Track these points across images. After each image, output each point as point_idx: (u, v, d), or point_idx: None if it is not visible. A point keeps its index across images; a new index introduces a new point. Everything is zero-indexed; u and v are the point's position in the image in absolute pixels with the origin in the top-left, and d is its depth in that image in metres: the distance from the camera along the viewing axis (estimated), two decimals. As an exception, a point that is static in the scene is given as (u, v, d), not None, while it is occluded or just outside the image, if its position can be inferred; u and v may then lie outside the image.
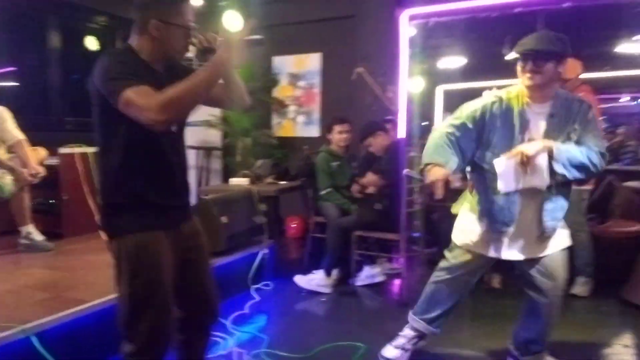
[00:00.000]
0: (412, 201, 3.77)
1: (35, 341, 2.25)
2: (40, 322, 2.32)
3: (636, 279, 3.48)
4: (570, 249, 2.46)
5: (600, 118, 3.11)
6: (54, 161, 4.07)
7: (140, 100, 1.53)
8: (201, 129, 5.52)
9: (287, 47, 6.08)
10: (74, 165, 4.16)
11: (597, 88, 3.73)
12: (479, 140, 2.27)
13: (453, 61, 6.38)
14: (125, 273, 1.72)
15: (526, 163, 2.11)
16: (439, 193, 2.14)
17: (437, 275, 2.60)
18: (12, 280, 3.01)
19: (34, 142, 3.69)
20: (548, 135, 2.18)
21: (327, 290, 3.83)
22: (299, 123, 6.19)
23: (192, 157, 5.24)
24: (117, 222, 1.74)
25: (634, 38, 5.34)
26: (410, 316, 2.71)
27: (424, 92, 5.88)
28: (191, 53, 1.88)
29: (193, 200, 1.92)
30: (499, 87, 2.34)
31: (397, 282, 4.09)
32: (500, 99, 2.25)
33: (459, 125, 2.27)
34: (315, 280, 3.85)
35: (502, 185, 2.20)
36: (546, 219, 2.25)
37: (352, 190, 4.29)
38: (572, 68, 3.20)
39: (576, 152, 2.12)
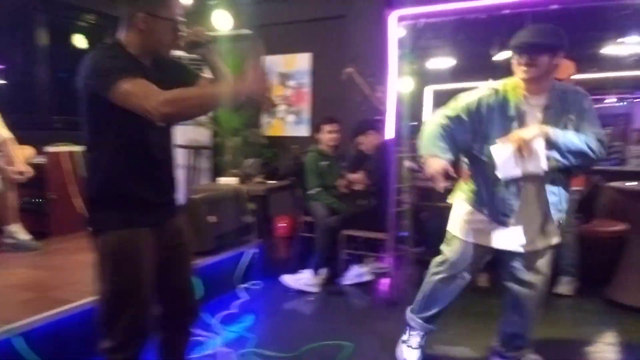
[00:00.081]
0: (401, 200, 3.79)
1: (20, 341, 2.24)
2: (25, 322, 2.31)
3: (620, 278, 3.53)
4: (556, 248, 2.49)
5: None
6: (41, 160, 4.04)
7: (143, 90, 1.55)
8: (190, 128, 5.50)
9: (277, 46, 6.07)
10: (61, 164, 4.13)
11: (585, 89, 3.75)
12: (473, 132, 2.27)
13: (442, 62, 6.41)
14: (106, 269, 1.72)
15: (523, 148, 2.11)
16: (440, 185, 2.17)
17: (435, 271, 2.57)
18: (-3, 280, 3.00)
19: (21, 141, 3.66)
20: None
21: (314, 289, 3.84)
22: (289, 122, 6.19)
23: (181, 156, 5.21)
24: (101, 218, 1.75)
25: (620, 40, 5.39)
26: (409, 315, 2.71)
27: (413, 92, 5.91)
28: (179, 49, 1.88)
29: (181, 199, 1.93)
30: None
31: (384, 281, 4.11)
32: (497, 91, 2.26)
33: (453, 117, 2.28)
34: (303, 279, 3.86)
35: (500, 172, 2.20)
36: (553, 212, 2.28)
37: (339, 184, 4.30)
38: (565, 69, 3.22)
39: (573, 137, 2.12)
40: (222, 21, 5.56)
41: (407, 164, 3.62)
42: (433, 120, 2.35)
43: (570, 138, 2.12)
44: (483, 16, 5.18)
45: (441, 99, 6.27)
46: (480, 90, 2.30)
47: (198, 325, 2.78)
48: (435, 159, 2.22)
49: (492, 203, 2.30)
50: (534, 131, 2.12)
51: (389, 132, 4.06)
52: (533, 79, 2.17)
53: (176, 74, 1.88)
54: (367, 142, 4.11)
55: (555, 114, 2.19)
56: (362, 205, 4.01)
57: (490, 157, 2.22)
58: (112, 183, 1.72)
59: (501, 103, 2.23)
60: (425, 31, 5.63)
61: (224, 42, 1.92)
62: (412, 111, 5.63)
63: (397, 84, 5.54)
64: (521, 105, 2.21)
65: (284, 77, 6.20)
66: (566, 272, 3.66)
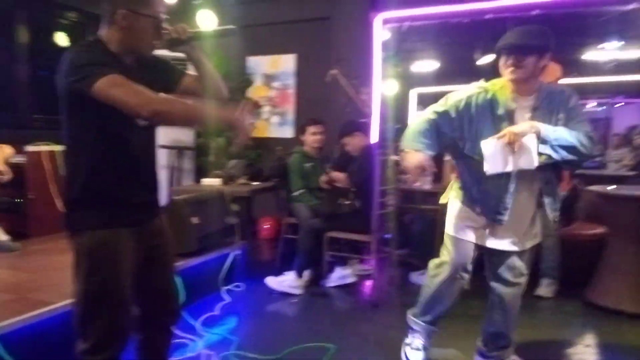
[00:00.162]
0: (384, 203, 3.80)
1: (-3, 344, 2.20)
2: (3, 324, 2.27)
3: (598, 281, 3.58)
4: (537, 252, 2.52)
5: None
6: (20, 159, 3.97)
7: (128, 87, 1.54)
8: (173, 128, 5.45)
9: (262, 47, 6.07)
10: (41, 163, 4.08)
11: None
12: (462, 130, 2.28)
13: (426, 65, 6.46)
14: (83, 270, 1.70)
15: (513, 142, 2.11)
16: (413, 178, 2.21)
17: (434, 273, 2.55)
18: (-26, 282, 2.94)
19: (0, 140, 3.60)
20: None
21: (298, 291, 3.83)
22: (273, 124, 6.18)
23: (164, 157, 5.16)
24: (80, 218, 1.72)
25: (600, 46, 5.50)
26: (411, 318, 2.67)
27: (398, 94, 5.95)
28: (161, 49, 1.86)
29: (163, 199, 1.91)
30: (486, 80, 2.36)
31: (368, 283, 4.12)
32: (486, 91, 2.27)
33: (442, 113, 2.29)
34: (286, 281, 3.86)
35: (488, 167, 2.20)
36: (549, 211, 2.30)
37: (321, 180, 4.31)
38: (552, 72, 3.26)
39: (564, 133, 2.12)
40: (206, 21, 5.53)
41: (393, 158, 3.63)
42: (422, 115, 2.36)
43: (562, 133, 2.12)
44: (466, 20, 5.24)
45: (426, 102, 6.35)
46: (470, 89, 2.31)
47: (180, 327, 2.78)
48: (415, 152, 2.24)
49: (484, 201, 2.31)
50: (524, 126, 2.13)
51: (374, 135, 4.08)
52: (520, 80, 2.18)
53: (160, 72, 1.87)
54: (352, 143, 4.11)
55: (544, 114, 2.20)
56: (342, 205, 4.02)
57: (480, 154, 2.22)
58: (92, 182, 1.70)
59: (490, 102, 2.24)
60: (409, 34, 5.66)
61: (207, 39, 1.91)
62: (397, 114, 5.68)
63: (382, 87, 5.58)
64: (510, 104, 2.22)
65: (269, 78, 6.19)
66: (547, 275, 3.71)
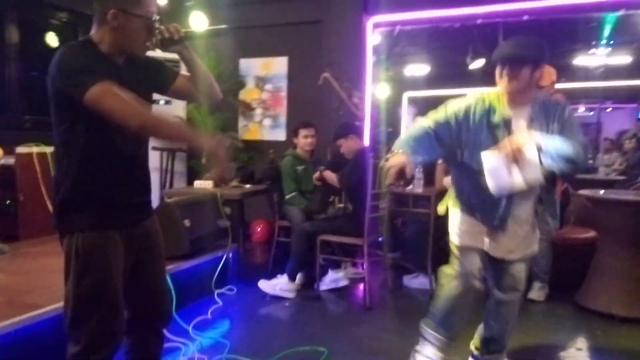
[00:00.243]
0: (377, 206, 3.81)
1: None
2: (-6, 328, 2.24)
3: (589, 284, 3.61)
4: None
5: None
6: (10, 160, 3.93)
7: (119, 98, 1.54)
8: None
9: (254, 49, 6.07)
10: (32, 165, 4.03)
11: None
12: (459, 139, 2.28)
13: (418, 69, 6.50)
14: (74, 271, 1.68)
15: (517, 156, 2.05)
16: (390, 179, 2.20)
17: (448, 286, 2.46)
18: (-37, 285, 2.91)
19: (-11, 141, 3.57)
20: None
21: (291, 294, 3.82)
22: (266, 126, 6.17)
23: (156, 159, 5.14)
24: (70, 220, 1.71)
25: (590, 51, 5.56)
26: (425, 330, 2.58)
27: (390, 98, 5.98)
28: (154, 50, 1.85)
29: (155, 201, 1.89)
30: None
31: (361, 286, 4.12)
32: (483, 100, 2.27)
33: (442, 122, 2.29)
34: (279, 284, 3.84)
35: (493, 185, 2.14)
36: (549, 220, 2.33)
37: (313, 177, 4.32)
38: (547, 75, 3.28)
39: (562, 143, 2.11)
40: (198, 22, 5.52)
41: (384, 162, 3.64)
42: (420, 122, 2.35)
43: (559, 144, 2.10)
44: (457, 25, 5.30)
45: (417, 105, 6.37)
46: (467, 98, 2.32)
47: (173, 331, 2.77)
48: (399, 155, 2.23)
49: (483, 209, 2.31)
50: (523, 137, 2.09)
51: (366, 138, 4.10)
52: (515, 91, 2.19)
53: (152, 72, 1.86)
54: (346, 145, 4.12)
55: (540, 126, 2.21)
56: (333, 204, 4.02)
57: (478, 164, 2.21)
58: (82, 184, 1.69)
59: (487, 112, 2.25)
60: (400, 38, 5.71)
61: (199, 39, 1.91)
62: (389, 117, 5.71)
63: (374, 90, 5.61)
64: (506, 114, 2.23)
65: (261, 80, 6.18)
66: (538, 278, 3.74)
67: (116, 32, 1.66)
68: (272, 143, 5.82)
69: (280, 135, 6.03)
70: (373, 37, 5.59)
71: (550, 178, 2.27)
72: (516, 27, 5.05)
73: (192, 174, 5.65)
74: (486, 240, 2.35)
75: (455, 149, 2.32)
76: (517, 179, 2.11)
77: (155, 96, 1.96)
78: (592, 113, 6.07)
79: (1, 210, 4.06)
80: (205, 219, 3.77)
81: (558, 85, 3.73)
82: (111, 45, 1.68)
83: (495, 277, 2.44)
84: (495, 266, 2.42)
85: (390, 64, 5.88)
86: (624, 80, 5.66)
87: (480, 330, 2.60)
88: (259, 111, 6.19)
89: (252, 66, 6.18)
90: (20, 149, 4.03)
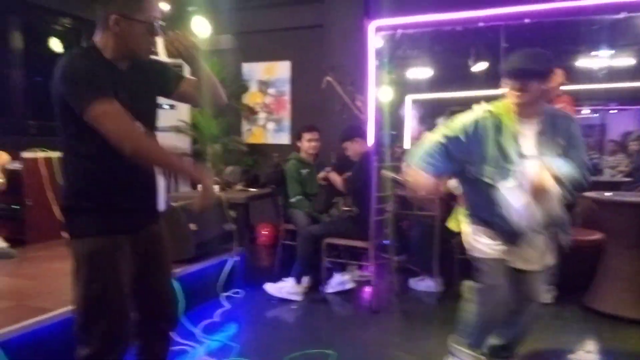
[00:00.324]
0: (382, 209, 3.81)
1: (-3, 351, 2.18)
2: (3, 331, 2.26)
3: (597, 287, 3.61)
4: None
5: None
6: (16, 166, 3.94)
7: (119, 120, 1.58)
8: (170, 135, 5.44)
9: (257, 54, 6.09)
10: (38, 170, 4.05)
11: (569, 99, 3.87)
12: (470, 153, 2.27)
13: (421, 72, 6.51)
14: (82, 276, 1.69)
15: (540, 192, 2.10)
16: (421, 195, 2.26)
17: (479, 303, 2.38)
18: (-28, 289, 2.92)
19: (-4, 146, 3.58)
20: (540, 152, 2.21)
21: (297, 297, 3.82)
22: (269, 130, 6.18)
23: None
24: (78, 224, 1.72)
25: (593, 53, 5.57)
26: (455, 347, 2.53)
27: (393, 101, 5.99)
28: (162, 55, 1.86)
29: (161, 206, 1.90)
30: (488, 101, 2.36)
31: (367, 289, 4.12)
32: (491, 113, 2.26)
33: (452, 138, 2.28)
34: (285, 287, 3.85)
35: (515, 218, 2.17)
36: (561, 235, 2.32)
37: (319, 176, 4.33)
38: (555, 77, 3.28)
39: (572, 170, 2.14)
40: (201, 28, 5.53)
41: (389, 175, 3.64)
42: (431, 137, 2.34)
43: (572, 173, 2.14)
44: (459, 28, 5.30)
45: (421, 108, 6.38)
46: (476, 111, 2.31)
47: (180, 334, 2.77)
48: (421, 173, 2.23)
49: (498, 225, 2.27)
50: (546, 173, 2.10)
51: (370, 141, 4.10)
52: (525, 104, 2.19)
53: (157, 76, 1.86)
54: (352, 148, 4.12)
55: (548, 139, 2.22)
56: (338, 205, 4.03)
57: (493, 179, 2.21)
58: (88, 189, 1.70)
59: (496, 125, 2.24)
60: (403, 42, 5.73)
61: (205, 49, 1.92)
62: (392, 120, 5.71)
63: (377, 93, 5.61)
64: (515, 127, 2.23)
65: (264, 84, 6.20)
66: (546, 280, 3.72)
67: (118, 38, 1.67)
68: (276, 147, 5.83)
69: (284, 138, 6.04)
70: (375, 41, 5.60)
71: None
72: (518, 30, 5.06)
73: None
74: (505, 251, 2.31)
75: (465, 163, 2.30)
76: (538, 213, 2.17)
77: (160, 100, 1.96)
78: (596, 115, 6.07)
79: (8, 215, 4.07)
80: (211, 222, 3.78)
81: (562, 88, 3.73)
82: (114, 50, 1.68)
83: (514, 286, 2.39)
84: (515, 276, 2.38)
85: (392, 67, 5.88)
86: (628, 82, 5.67)
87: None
88: (262, 115, 6.20)
89: (255, 70, 6.20)
90: (26, 155, 4.04)
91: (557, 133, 2.23)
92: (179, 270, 3.22)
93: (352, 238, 3.84)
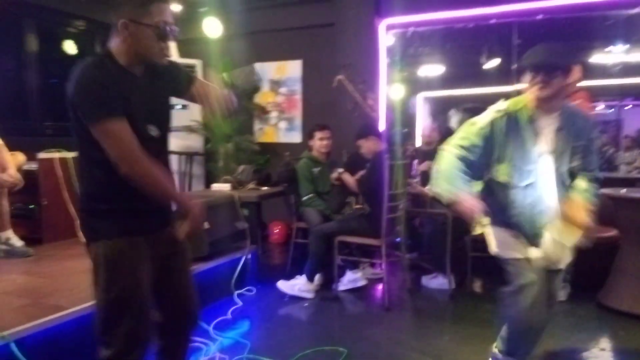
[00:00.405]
0: (394, 207, 3.81)
1: (14, 348, 2.21)
2: (19, 329, 2.28)
3: (611, 284, 3.57)
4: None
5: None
6: (32, 166, 4.01)
7: (122, 142, 1.61)
8: (183, 134, 5.49)
9: (268, 53, 6.11)
10: (54, 170, 4.10)
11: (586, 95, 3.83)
12: (488, 156, 2.24)
13: (433, 69, 6.48)
14: (102, 278, 1.71)
15: (579, 229, 2.15)
16: (476, 218, 2.18)
17: (516, 306, 2.27)
18: (-10, 287, 2.96)
19: (12, 147, 3.63)
20: (557, 148, 2.19)
21: (309, 295, 3.83)
22: (281, 129, 6.20)
23: (174, 163, 5.19)
24: (96, 227, 1.74)
25: (607, 49, 5.50)
26: (498, 357, 2.45)
27: (405, 99, 5.98)
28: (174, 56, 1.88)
29: (175, 205, 1.92)
30: (500, 98, 2.32)
31: (379, 287, 4.12)
32: (508, 113, 2.22)
33: (468, 147, 2.23)
34: (297, 285, 3.86)
35: (551, 253, 2.22)
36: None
37: (332, 176, 4.34)
38: (573, 72, 3.25)
39: (593, 195, 2.22)
40: (212, 28, 5.57)
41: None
42: (447, 153, 2.27)
43: (594, 194, 2.22)
44: (471, 25, 5.28)
45: (432, 106, 6.36)
46: (491, 113, 2.26)
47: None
48: (463, 195, 2.16)
49: (516, 227, 2.25)
50: (584, 212, 2.15)
51: (383, 139, 4.11)
52: (547, 98, 2.15)
53: (169, 78, 1.87)
54: (366, 146, 4.12)
55: (567, 136, 2.19)
56: (350, 204, 4.04)
57: (507, 178, 2.20)
58: (104, 193, 1.72)
59: (514, 124, 2.20)
60: (414, 39, 5.71)
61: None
62: (404, 118, 5.70)
63: (388, 91, 5.61)
64: (534, 124, 2.20)
65: (276, 84, 6.22)
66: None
67: (129, 42, 1.67)
68: (288, 145, 5.84)
69: (296, 137, 6.06)
70: (386, 39, 5.60)
71: None
72: (530, 27, 5.02)
73: (210, 177, 5.70)
74: (531, 250, 2.27)
75: (484, 168, 2.27)
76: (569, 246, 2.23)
77: (173, 100, 1.97)
78: (611, 110, 5.99)
79: (25, 215, 4.13)
80: (223, 221, 3.81)
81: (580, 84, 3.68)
82: (127, 55, 1.69)
83: (542, 285, 2.31)
84: (541, 275, 2.30)
85: (404, 65, 5.87)
86: (643, 77, 5.60)
87: (504, 332, 2.54)
88: (274, 114, 6.22)
89: (266, 70, 6.22)
90: (42, 155, 4.10)
91: (576, 132, 2.20)
92: (192, 268, 3.24)
93: (364, 236, 3.84)
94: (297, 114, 6.11)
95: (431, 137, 4.68)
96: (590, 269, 3.72)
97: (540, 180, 2.21)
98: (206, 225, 3.55)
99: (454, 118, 6.32)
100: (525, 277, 2.23)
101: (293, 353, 2.84)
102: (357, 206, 4.16)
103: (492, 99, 2.37)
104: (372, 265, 4.46)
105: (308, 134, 4.63)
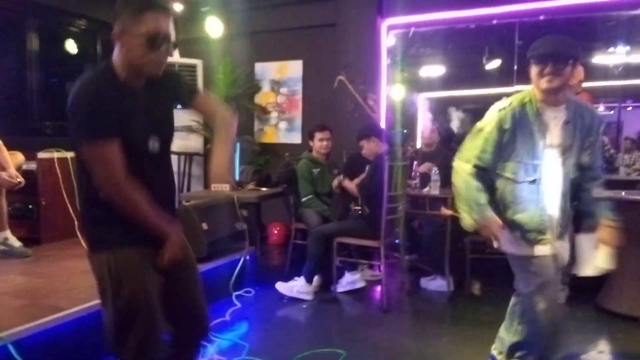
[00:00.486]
0: (393, 208, 3.80)
1: (11, 349, 2.21)
2: (17, 330, 2.28)
3: (611, 287, 3.56)
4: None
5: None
6: (32, 166, 4.01)
7: (107, 166, 1.60)
8: (183, 134, 5.49)
9: (269, 53, 6.11)
10: (53, 170, 4.09)
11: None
12: (497, 155, 2.22)
13: (434, 70, 6.48)
14: (108, 290, 1.70)
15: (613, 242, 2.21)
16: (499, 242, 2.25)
17: (536, 307, 2.23)
18: (-12, 287, 2.97)
19: (11, 147, 3.62)
20: (564, 141, 2.17)
21: (308, 296, 3.83)
22: (281, 130, 6.20)
23: (173, 163, 5.19)
24: (98, 237, 1.73)
25: (609, 50, 5.50)
26: None
27: (405, 99, 5.98)
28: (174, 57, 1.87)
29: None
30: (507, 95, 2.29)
31: (378, 288, 4.12)
32: (513, 109, 2.19)
33: (480, 156, 2.22)
34: (296, 287, 3.86)
35: (582, 269, 2.24)
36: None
37: (333, 184, 4.33)
38: (576, 74, 3.24)
39: (613, 214, 2.26)
40: (214, 28, 5.57)
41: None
42: (461, 173, 2.26)
43: (612, 213, 2.26)
44: (472, 26, 5.28)
45: (433, 106, 6.35)
46: (495, 114, 2.22)
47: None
48: (485, 220, 2.21)
49: (522, 225, 2.22)
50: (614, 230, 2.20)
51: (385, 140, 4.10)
52: (555, 89, 2.11)
53: (170, 90, 1.84)
54: (368, 147, 4.12)
55: (574, 129, 2.17)
56: (352, 209, 4.03)
57: (513, 174, 2.19)
58: (106, 204, 1.69)
59: (521, 119, 2.17)
60: (415, 40, 5.71)
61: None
62: (404, 119, 5.70)
63: (389, 91, 5.61)
64: (541, 117, 2.17)
65: (276, 84, 6.21)
66: (558, 280, 3.69)
67: (123, 53, 1.65)
68: (288, 146, 5.84)
69: (296, 138, 6.05)
70: (387, 40, 5.60)
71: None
72: (532, 28, 5.01)
73: (209, 178, 5.69)
74: (542, 247, 2.23)
75: (496, 166, 2.25)
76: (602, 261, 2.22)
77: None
78: (612, 112, 5.99)
79: (24, 215, 4.14)
80: (222, 222, 3.81)
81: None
82: (124, 68, 1.66)
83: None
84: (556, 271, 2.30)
85: (405, 66, 5.87)
86: (644, 79, 5.59)
87: (504, 335, 2.53)
88: (274, 114, 6.22)
89: (267, 70, 6.22)
90: (42, 155, 4.10)
91: (584, 126, 2.18)
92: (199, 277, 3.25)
93: (363, 237, 3.84)
94: (298, 114, 6.10)
95: (431, 138, 4.68)
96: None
97: (546, 175, 2.18)
98: (205, 226, 3.56)
99: (454, 118, 6.33)
100: (544, 274, 2.20)
101: (291, 355, 2.84)
102: (356, 207, 4.15)
103: (493, 99, 2.34)
104: (371, 266, 4.46)
105: (308, 135, 4.62)
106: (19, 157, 3.75)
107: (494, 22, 5.15)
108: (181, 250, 1.79)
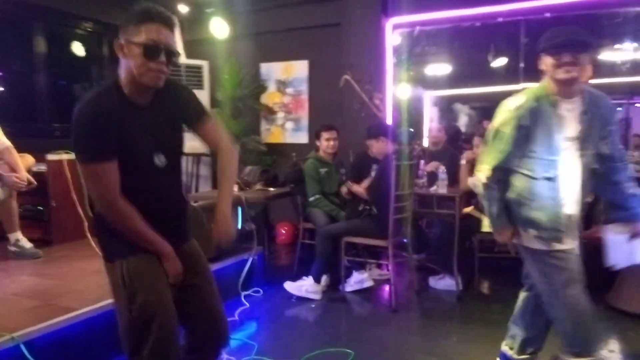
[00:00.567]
0: (401, 207, 3.80)
1: (24, 349, 2.24)
2: (29, 330, 2.32)
3: (621, 285, 3.54)
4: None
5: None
6: (41, 168, 4.04)
7: (102, 183, 1.64)
8: (190, 136, 5.50)
9: (275, 54, 6.11)
10: (63, 171, 4.12)
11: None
12: (513, 153, 2.19)
13: (440, 68, 6.46)
14: (122, 297, 1.72)
15: None
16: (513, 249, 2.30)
17: (575, 301, 2.18)
18: (0, 288, 2.99)
19: (21, 149, 3.66)
20: (582, 132, 2.13)
21: (316, 296, 3.84)
22: (288, 130, 6.20)
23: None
24: (110, 247, 1.76)
25: (616, 46, 5.46)
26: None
27: (412, 98, 5.97)
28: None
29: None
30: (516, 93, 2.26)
31: (386, 288, 4.12)
32: (528, 105, 2.15)
33: (501, 158, 2.20)
34: (304, 286, 3.87)
35: (612, 259, 2.29)
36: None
37: (341, 191, 4.32)
38: (585, 70, 3.21)
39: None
40: (219, 29, 5.59)
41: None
42: (483, 184, 2.26)
43: None
44: (478, 24, 5.26)
45: (440, 105, 6.34)
46: (510, 112, 2.17)
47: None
48: (503, 230, 2.27)
49: (536, 222, 2.19)
50: None
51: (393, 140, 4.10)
52: (572, 80, 2.06)
53: (180, 109, 1.84)
54: (376, 147, 4.11)
55: (592, 119, 2.13)
56: (363, 212, 4.03)
57: (529, 170, 2.16)
58: None
59: (538, 115, 2.13)
60: (421, 38, 5.70)
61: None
62: (410, 117, 5.69)
63: (395, 90, 5.60)
64: (557, 110, 2.13)
65: (282, 84, 6.22)
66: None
67: (125, 65, 1.66)
68: (294, 146, 5.84)
69: (303, 138, 6.06)
70: (393, 38, 5.59)
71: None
72: (538, 25, 4.99)
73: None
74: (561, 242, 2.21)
75: (513, 163, 2.22)
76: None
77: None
78: (620, 109, 5.95)
79: (34, 216, 4.17)
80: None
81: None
82: (129, 82, 1.67)
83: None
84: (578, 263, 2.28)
85: (410, 65, 5.86)
86: (653, 75, 5.55)
87: (515, 330, 2.52)
88: (280, 114, 6.23)
89: (273, 70, 6.23)
90: (51, 156, 4.13)
91: (602, 115, 2.15)
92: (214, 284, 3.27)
93: (371, 237, 3.84)
94: (304, 114, 6.11)
95: (438, 137, 4.67)
96: (599, 269, 3.70)
97: (563, 172, 2.14)
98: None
99: (460, 116, 6.31)
100: (568, 267, 2.19)
101: (300, 354, 2.85)
102: (365, 207, 4.15)
103: (500, 97, 2.31)
104: (379, 266, 4.46)
105: (315, 135, 4.62)
106: (29, 159, 3.78)
107: (500, 19, 5.14)
108: (179, 270, 1.82)
